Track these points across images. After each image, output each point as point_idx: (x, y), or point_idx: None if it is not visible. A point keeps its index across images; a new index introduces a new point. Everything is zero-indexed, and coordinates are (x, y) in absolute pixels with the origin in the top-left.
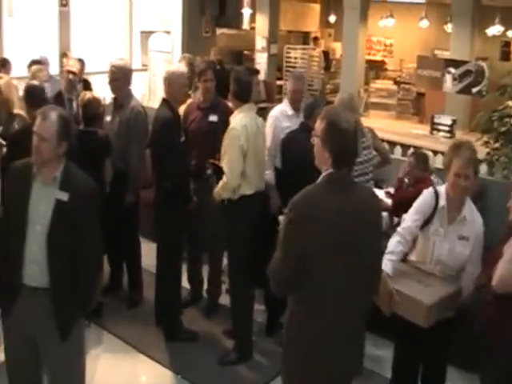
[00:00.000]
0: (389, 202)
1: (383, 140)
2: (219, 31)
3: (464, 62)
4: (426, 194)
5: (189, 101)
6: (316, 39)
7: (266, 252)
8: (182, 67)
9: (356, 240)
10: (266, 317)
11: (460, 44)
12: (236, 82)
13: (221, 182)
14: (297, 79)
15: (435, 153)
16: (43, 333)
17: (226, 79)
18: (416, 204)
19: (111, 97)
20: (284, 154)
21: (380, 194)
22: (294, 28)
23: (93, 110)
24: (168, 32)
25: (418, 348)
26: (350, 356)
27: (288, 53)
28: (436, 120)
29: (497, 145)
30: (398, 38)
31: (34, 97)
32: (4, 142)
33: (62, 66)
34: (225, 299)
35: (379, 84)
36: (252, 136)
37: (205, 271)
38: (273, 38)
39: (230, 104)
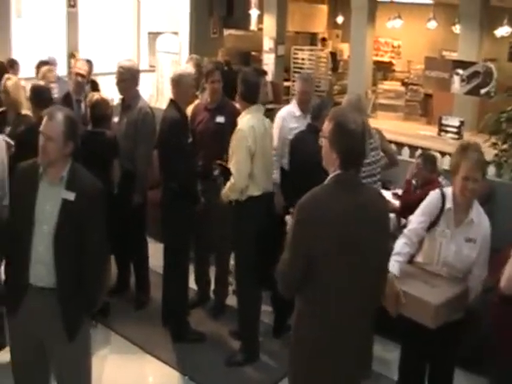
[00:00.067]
0: (396, 203)
1: (391, 141)
2: (227, 32)
3: (472, 63)
4: (433, 195)
5: (196, 102)
6: (323, 40)
7: (273, 253)
8: (190, 68)
9: (359, 241)
10: (272, 318)
11: (468, 45)
12: (243, 83)
13: (228, 183)
14: (305, 81)
15: (443, 154)
16: (50, 333)
17: (233, 80)
18: (422, 205)
19: (119, 98)
20: (292, 155)
21: (387, 195)
22: (302, 29)
23: (101, 110)
24: (176, 33)
25: (425, 349)
26: (355, 357)
27: (295, 54)
28: (444, 121)
29: (505, 146)
30: (405, 39)
31: (40, 97)
32: (12, 142)
33: (69, 66)
34: (232, 300)
35: (387, 85)
36: (259, 137)
37: (212, 272)
38: (280, 39)
39: (237, 105)
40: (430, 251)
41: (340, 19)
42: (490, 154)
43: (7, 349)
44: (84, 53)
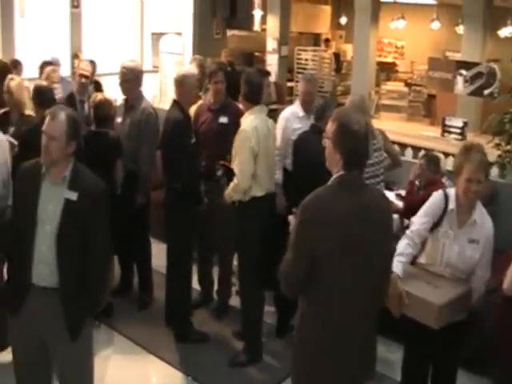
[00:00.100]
0: (399, 204)
1: (394, 142)
2: (230, 33)
3: (475, 64)
4: (436, 196)
5: (199, 102)
6: (327, 41)
7: (277, 254)
8: (193, 69)
9: (363, 242)
10: (275, 318)
11: (471, 46)
12: (247, 83)
13: (231, 184)
14: (308, 81)
15: (446, 155)
16: (52, 333)
17: (236, 81)
18: (425, 206)
19: (122, 98)
20: (295, 156)
21: (391, 196)
22: (305, 30)
23: (104, 111)
24: (179, 33)
25: (428, 349)
26: (359, 358)
27: (299, 54)
28: (447, 122)
29: (508, 147)
30: (409, 39)
31: (43, 97)
32: (16, 143)
33: (73, 67)
34: (235, 301)
35: (390, 86)
36: (263, 138)
37: (215, 273)
38: (284, 39)
39: (240, 106)
40: (432, 252)
41: (343, 20)
42: (493, 154)
43: (9, 349)
44: (87, 53)
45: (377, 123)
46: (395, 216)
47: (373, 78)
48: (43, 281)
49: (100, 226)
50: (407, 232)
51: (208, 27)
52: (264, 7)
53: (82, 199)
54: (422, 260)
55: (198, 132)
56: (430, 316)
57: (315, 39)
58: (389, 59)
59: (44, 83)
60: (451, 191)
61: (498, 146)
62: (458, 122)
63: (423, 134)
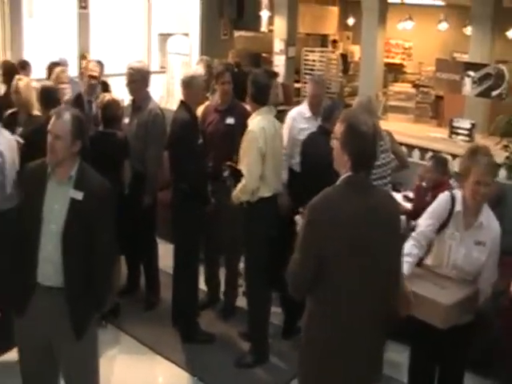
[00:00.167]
0: (407, 205)
1: (401, 143)
2: (237, 34)
3: (483, 65)
4: (442, 197)
5: (206, 103)
6: (334, 42)
7: (284, 254)
8: (200, 69)
9: (370, 243)
10: (282, 319)
11: (479, 47)
12: (254, 84)
13: (239, 185)
14: (316, 83)
15: (454, 156)
16: (58, 332)
17: (243, 82)
18: (431, 208)
19: (129, 99)
20: (303, 157)
21: (398, 197)
22: (313, 31)
23: (112, 111)
24: (186, 34)
25: (435, 350)
26: (366, 359)
27: (306, 55)
28: (455, 124)
29: None
30: (416, 40)
31: (49, 97)
32: (22, 141)
33: (80, 67)
34: (241, 302)
35: (398, 87)
36: (270, 138)
37: (221, 274)
38: (291, 40)
39: (247, 107)
40: (439, 254)
41: (351, 21)
42: (501, 156)
43: (15, 349)
44: (95, 54)
45: (384, 124)
46: (402, 217)
47: (380, 79)
48: (48, 280)
49: (106, 226)
50: (413, 234)
51: (215, 28)
52: (271, 8)
53: (87, 199)
54: (428, 262)
55: (204, 133)
56: (437, 316)
57: (322, 40)
58: (396, 60)
59: (50, 83)
60: (458, 193)
61: (505, 147)
62: (466, 124)
63: (430, 135)
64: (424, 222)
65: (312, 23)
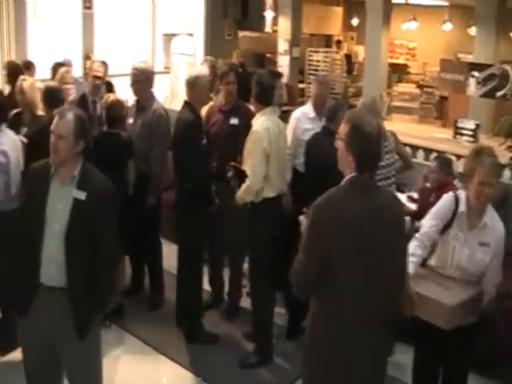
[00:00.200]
0: (411, 206)
1: (406, 144)
2: (241, 34)
3: (488, 66)
4: (446, 198)
5: (210, 103)
6: (338, 42)
7: (288, 255)
8: (204, 70)
9: (375, 244)
10: (286, 320)
11: (484, 47)
12: (258, 84)
13: (244, 186)
14: (320, 83)
15: (458, 157)
16: (61, 332)
17: (247, 82)
18: (434, 209)
19: (133, 99)
20: (307, 157)
21: (402, 198)
22: (317, 31)
23: (116, 112)
24: (191, 34)
25: (439, 351)
26: (371, 360)
27: (310, 56)
28: (459, 124)
29: None
30: (421, 41)
31: (53, 98)
32: (25, 140)
33: (85, 68)
34: (246, 302)
35: (402, 87)
36: (274, 139)
37: (225, 274)
38: (295, 40)
39: (251, 107)
40: (443, 254)
41: (355, 21)
42: (505, 157)
43: (19, 348)
44: (99, 54)
45: (388, 125)
46: (407, 218)
47: (384, 79)
48: (51, 280)
49: (109, 227)
50: (416, 235)
51: (219, 28)
52: (275, 8)
53: (90, 199)
54: (432, 262)
55: (209, 133)
56: (441, 317)
57: (327, 41)
58: (400, 61)
59: (54, 84)
60: (462, 193)
61: (510, 148)
62: (470, 124)
63: (435, 136)
64: (428, 223)
65: (316, 24)
